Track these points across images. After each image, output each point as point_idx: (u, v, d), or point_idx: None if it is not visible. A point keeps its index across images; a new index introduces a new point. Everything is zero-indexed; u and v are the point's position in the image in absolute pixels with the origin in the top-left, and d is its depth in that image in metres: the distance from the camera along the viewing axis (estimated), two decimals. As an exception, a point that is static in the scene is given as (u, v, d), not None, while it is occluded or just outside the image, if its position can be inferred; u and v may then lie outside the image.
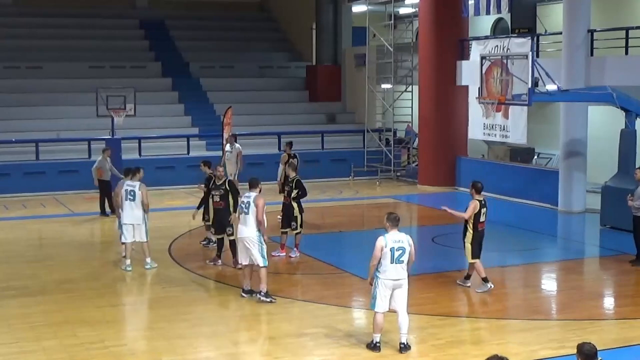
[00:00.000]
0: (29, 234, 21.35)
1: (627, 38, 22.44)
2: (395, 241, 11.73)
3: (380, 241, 11.74)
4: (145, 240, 16.97)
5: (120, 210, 16.92)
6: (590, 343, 8.10)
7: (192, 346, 12.37)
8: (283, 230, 17.91)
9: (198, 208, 18.63)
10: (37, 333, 12.80)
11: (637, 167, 18.31)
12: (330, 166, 28.91)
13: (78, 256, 18.34)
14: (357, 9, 35.17)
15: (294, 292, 14.98)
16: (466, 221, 14.95)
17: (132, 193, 16.81)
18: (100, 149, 24.45)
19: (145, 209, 16.86)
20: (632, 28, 22.89)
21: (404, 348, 11.81)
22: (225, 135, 24.25)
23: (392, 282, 11.77)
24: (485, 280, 15.03)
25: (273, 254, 17.34)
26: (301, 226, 17.82)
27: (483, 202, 14.98)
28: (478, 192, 15.00)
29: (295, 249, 17.91)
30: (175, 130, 30.12)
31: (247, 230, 14.36)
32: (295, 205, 17.68)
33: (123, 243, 16.81)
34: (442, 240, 19.55)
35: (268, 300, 14.37)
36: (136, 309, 14.29)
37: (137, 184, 16.91)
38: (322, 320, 13.69)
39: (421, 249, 20.28)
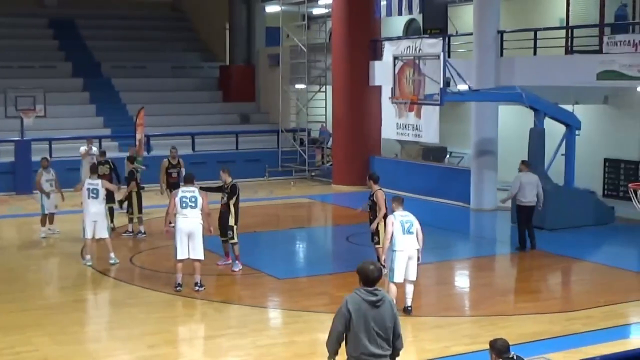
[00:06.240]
0: None
1: (535, 39, 22.87)
2: (402, 215, 13.48)
3: (390, 218, 13.54)
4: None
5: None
6: (502, 338, 8.26)
7: (106, 350, 12.21)
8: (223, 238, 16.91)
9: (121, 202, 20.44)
10: (-56, 340, 12.49)
11: (522, 160, 19.18)
12: (244, 166, 28.78)
13: (-14, 260, 17.94)
14: (270, 9, 35.12)
15: (209, 293, 14.90)
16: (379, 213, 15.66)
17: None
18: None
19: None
20: (540, 29, 23.37)
21: (407, 310, 13.48)
22: (138, 136, 23.97)
23: (407, 253, 13.29)
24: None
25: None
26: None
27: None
28: (376, 182, 15.96)
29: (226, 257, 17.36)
30: (86, 132, 29.57)
31: (194, 223, 14.82)
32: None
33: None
34: (357, 239, 19.64)
35: (203, 288, 14.96)
36: (48, 314, 14.00)
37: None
38: (237, 320, 13.67)
39: (335, 249, 20.49)
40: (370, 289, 7.99)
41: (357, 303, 7.95)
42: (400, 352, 8.28)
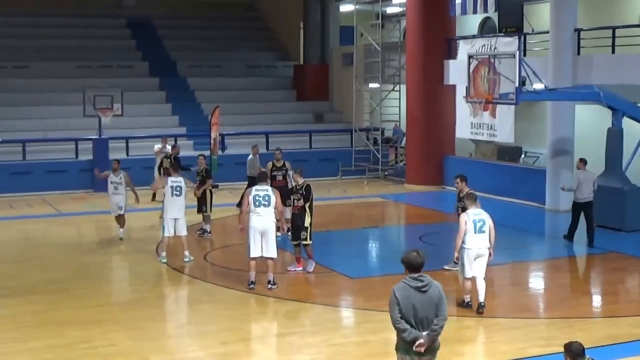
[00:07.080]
0: (16, 234, 21.28)
1: (613, 37, 22.45)
2: (475, 214, 13.37)
3: (463, 216, 13.44)
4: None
5: None
6: (577, 342, 8.15)
7: (180, 346, 12.35)
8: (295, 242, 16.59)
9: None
10: (24, 333, 12.76)
11: (580, 158, 19.30)
12: (318, 165, 28.85)
13: (65, 256, 18.27)
14: (344, 8, 35.17)
15: (281, 292, 14.96)
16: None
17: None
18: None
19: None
20: (619, 27, 22.94)
21: (481, 307, 13.37)
22: (213, 135, 24.19)
23: (476, 252, 13.28)
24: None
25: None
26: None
27: None
28: (467, 183, 16.08)
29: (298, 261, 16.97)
30: (162, 130, 29.92)
31: (267, 222, 14.80)
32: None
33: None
34: (430, 239, 19.56)
35: (276, 287, 14.96)
36: (123, 309, 14.24)
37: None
38: (309, 318, 13.71)
39: (409, 248, 20.34)
40: (415, 275, 8.27)
41: (404, 290, 8.22)
42: (439, 332, 8.32)
